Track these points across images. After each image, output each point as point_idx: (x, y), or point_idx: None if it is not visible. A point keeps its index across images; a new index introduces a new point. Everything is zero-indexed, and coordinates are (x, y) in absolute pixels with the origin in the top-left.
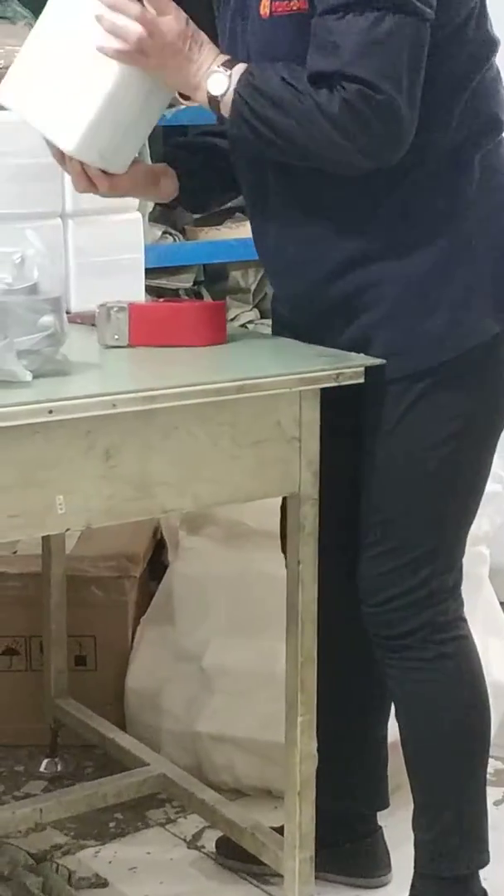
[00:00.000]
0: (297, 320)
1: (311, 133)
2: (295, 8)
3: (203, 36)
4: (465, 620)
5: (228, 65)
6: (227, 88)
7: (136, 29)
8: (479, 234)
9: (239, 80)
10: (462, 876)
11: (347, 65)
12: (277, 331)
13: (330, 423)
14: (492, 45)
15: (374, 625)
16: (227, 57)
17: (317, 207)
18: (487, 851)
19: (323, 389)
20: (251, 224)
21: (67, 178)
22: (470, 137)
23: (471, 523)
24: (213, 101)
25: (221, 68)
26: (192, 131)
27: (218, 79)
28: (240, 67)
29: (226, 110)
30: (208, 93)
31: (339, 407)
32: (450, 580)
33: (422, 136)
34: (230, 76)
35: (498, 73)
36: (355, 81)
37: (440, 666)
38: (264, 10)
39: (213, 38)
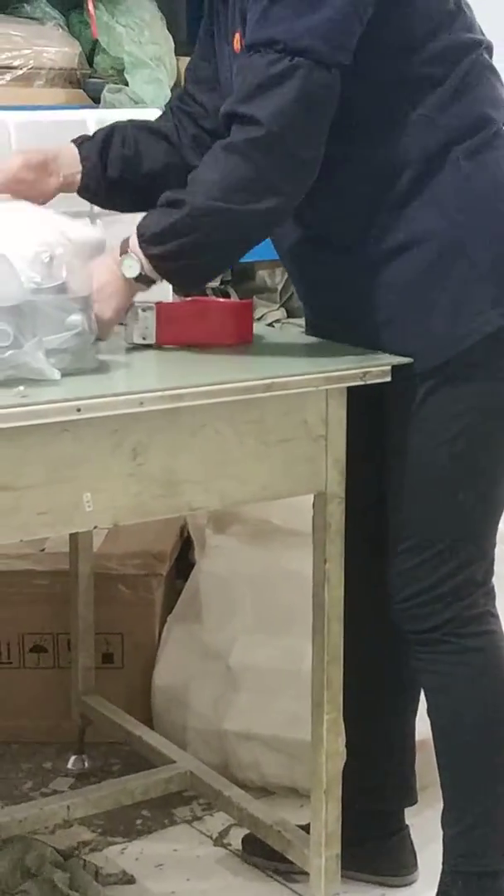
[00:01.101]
0: (316, 322)
1: (209, 226)
2: None
3: (97, 255)
4: (495, 616)
5: (123, 248)
6: (137, 264)
7: None
8: (472, 231)
9: (140, 248)
10: (490, 872)
11: (237, 103)
12: (308, 330)
13: (356, 422)
14: (463, 48)
15: (402, 620)
16: (120, 245)
17: (315, 219)
18: None
19: (350, 388)
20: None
21: None
22: (455, 138)
23: (498, 515)
24: (145, 280)
25: (120, 257)
26: None
27: (126, 265)
28: (132, 238)
29: (154, 275)
30: (134, 282)
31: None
32: (478, 574)
33: (404, 140)
34: (131, 254)
35: (484, 70)
36: (240, 121)
37: (468, 660)
38: (237, 44)
39: None
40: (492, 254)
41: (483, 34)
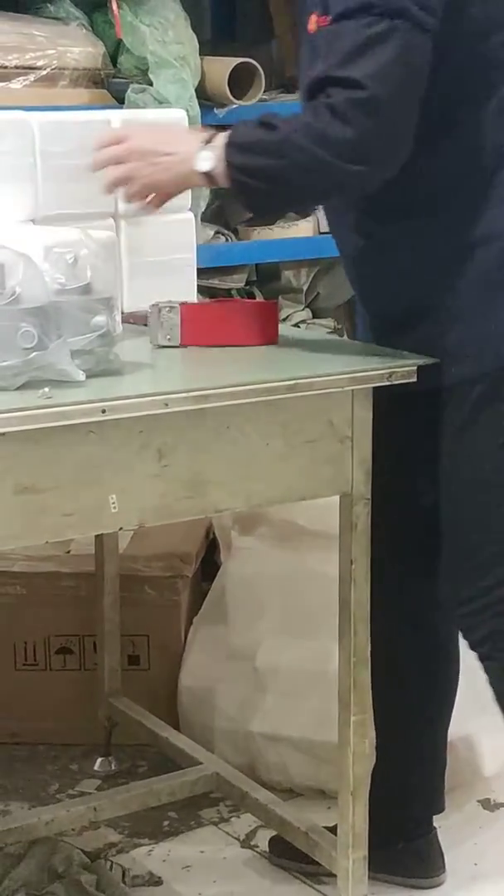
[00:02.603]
0: (375, 324)
1: (297, 161)
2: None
3: (183, 129)
4: None
5: (210, 139)
6: (214, 161)
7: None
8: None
9: (223, 148)
10: None
11: (334, 67)
12: (363, 335)
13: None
14: None
15: (457, 627)
16: (208, 134)
17: (377, 218)
18: None
19: (377, 389)
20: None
21: None
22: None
23: None
24: (209, 178)
25: (204, 145)
26: None
27: (203, 156)
28: (221, 137)
29: (222, 181)
30: (200, 172)
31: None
32: None
33: (480, 130)
34: (213, 148)
35: None
36: (339, 84)
37: None
38: (311, 25)
39: None
40: None
41: None
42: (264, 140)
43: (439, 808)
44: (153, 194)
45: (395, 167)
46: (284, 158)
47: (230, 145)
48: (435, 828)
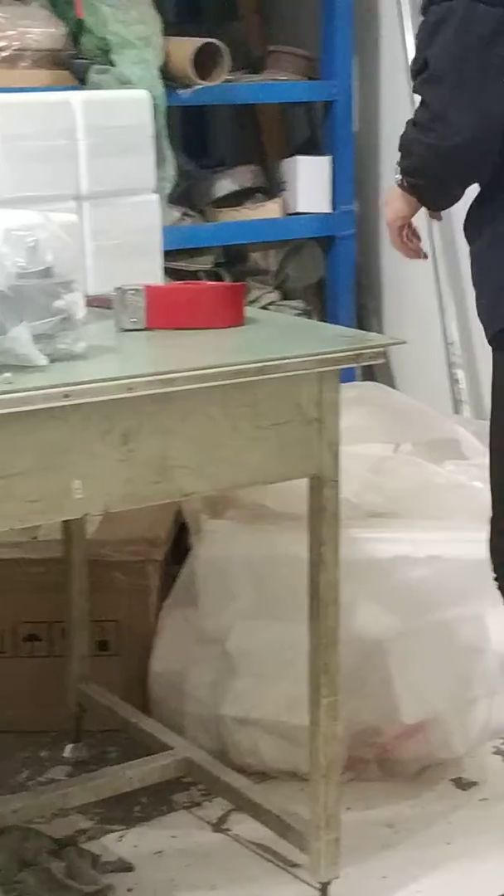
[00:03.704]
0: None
1: (413, 152)
2: None
3: None
4: None
5: None
6: (397, 171)
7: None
8: None
9: None
10: None
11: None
12: None
13: None
14: None
15: None
16: None
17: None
18: None
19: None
20: None
21: (82, 160)
22: None
23: None
24: (403, 188)
25: None
26: (210, 111)
27: (395, 170)
28: None
29: (406, 186)
30: (398, 187)
31: None
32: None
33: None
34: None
35: None
36: (420, 70)
37: None
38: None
39: None
40: None
41: None
42: (401, 142)
43: None
44: (405, 233)
45: (488, 134)
46: (410, 155)
47: (399, 149)
48: None
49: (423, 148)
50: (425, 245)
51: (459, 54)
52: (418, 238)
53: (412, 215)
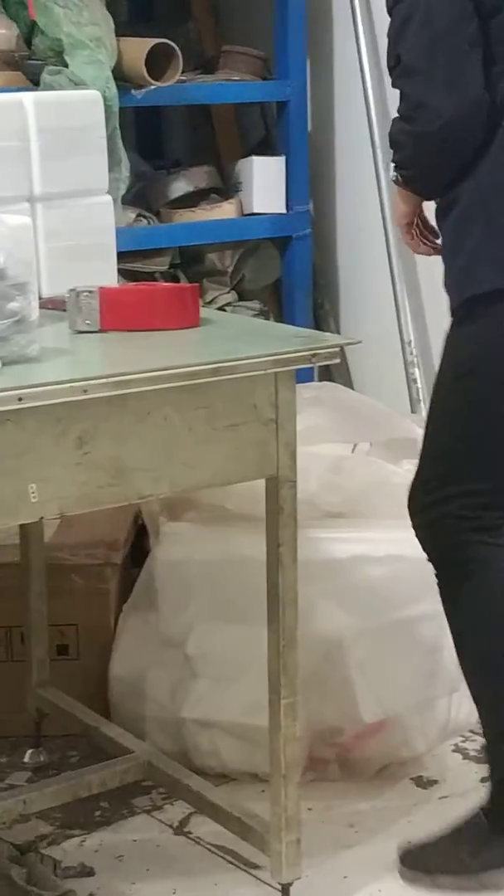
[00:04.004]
0: None
1: (399, 143)
2: None
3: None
4: None
5: None
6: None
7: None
8: (493, 192)
9: None
10: None
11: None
12: None
13: None
14: None
15: None
16: None
17: None
18: None
19: None
20: None
21: (35, 161)
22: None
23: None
24: (401, 183)
25: None
26: (164, 112)
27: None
28: None
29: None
30: (403, 188)
31: None
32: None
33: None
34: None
35: None
36: (393, 66)
37: None
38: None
39: None
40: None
41: None
42: (391, 136)
43: None
44: (414, 232)
45: (464, 115)
46: (401, 145)
47: (390, 146)
48: None
49: (409, 138)
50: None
51: (428, 44)
52: (434, 234)
53: (416, 211)
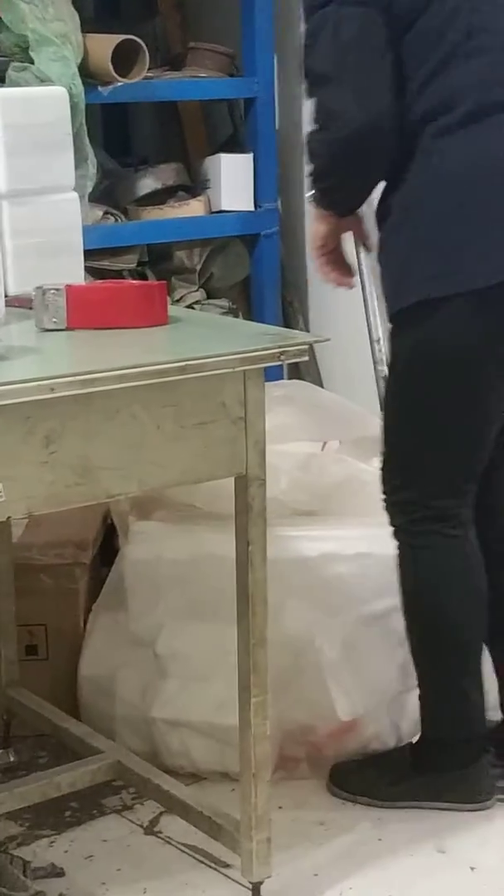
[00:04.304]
0: None
1: (313, 152)
2: None
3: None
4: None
5: None
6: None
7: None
8: (414, 204)
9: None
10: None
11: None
12: None
13: None
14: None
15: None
16: None
17: None
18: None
19: None
20: None
21: (1, 157)
22: (423, 115)
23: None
24: (317, 203)
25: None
26: (131, 109)
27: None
28: None
29: (317, 198)
30: (316, 207)
31: None
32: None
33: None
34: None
35: (464, 54)
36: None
37: None
38: None
39: None
40: (429, 230)
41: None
42: (307, 148)
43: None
44: (328, 260)
45: (373, 122)
46: (315, 155)
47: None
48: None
49: (322, 146)
50: (350, 245)
51: (338, 54)
52: (346, 265)
53: (331, 235)
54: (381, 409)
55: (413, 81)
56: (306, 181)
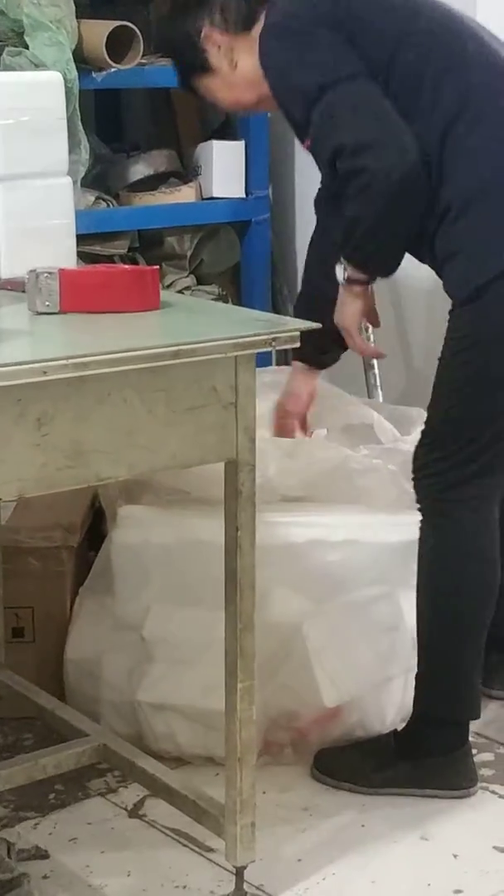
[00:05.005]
0: None
1: (355, 209)
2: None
3: None
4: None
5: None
6: (343, 266)
7: None
8: (477, 196)
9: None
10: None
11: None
12: None
13: None
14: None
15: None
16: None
17: None
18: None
19: None
20: None
21: None
22: (442, 123)
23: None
24: (352, 283)
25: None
26: (124, 95)
27: (337, 270)
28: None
29: (358, 273)
30: (349, 285)
31: None
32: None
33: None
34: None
35: (469, 55)
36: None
37: None
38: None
39: None
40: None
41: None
42: (346, 224)
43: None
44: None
45: (409, 175)
46: (356, 224)
47: (341, 248)
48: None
49: (367, 208)
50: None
51: (366, 121)
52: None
53: (368, 309)
54: (372, 396)
55: (417, 108)
56: (305, 157)
